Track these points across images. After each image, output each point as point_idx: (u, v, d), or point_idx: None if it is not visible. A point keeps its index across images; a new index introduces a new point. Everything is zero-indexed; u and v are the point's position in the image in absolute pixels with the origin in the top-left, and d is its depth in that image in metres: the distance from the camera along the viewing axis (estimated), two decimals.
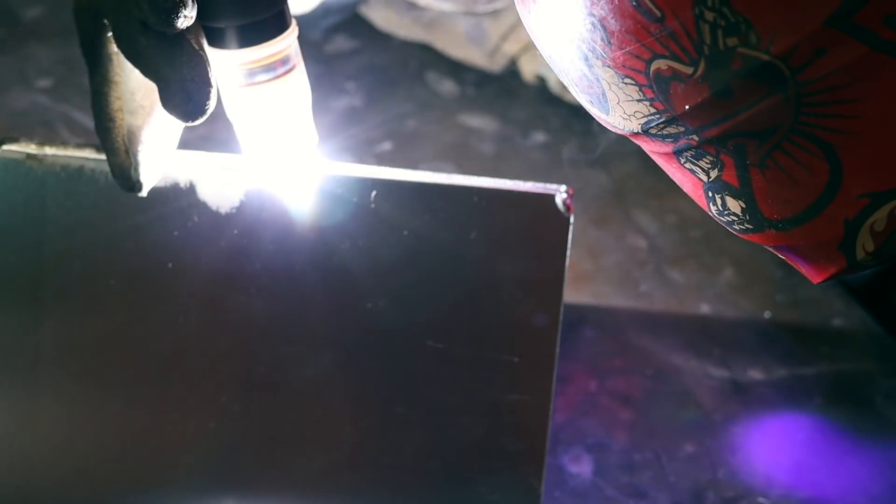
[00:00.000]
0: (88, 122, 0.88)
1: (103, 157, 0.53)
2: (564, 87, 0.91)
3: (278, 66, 0.47)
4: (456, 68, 0.97)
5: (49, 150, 0.53)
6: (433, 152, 0.88)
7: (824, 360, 0.73)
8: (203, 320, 0.54)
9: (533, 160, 0.89)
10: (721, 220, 0.43)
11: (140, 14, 0.44)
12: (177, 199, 0.53)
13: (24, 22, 0.99)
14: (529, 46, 0.94)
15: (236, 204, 0.53)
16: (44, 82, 0.92)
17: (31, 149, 0.53)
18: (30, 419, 0.55)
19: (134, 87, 0.48)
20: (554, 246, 0.54)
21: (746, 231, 0.42)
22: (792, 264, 0.43)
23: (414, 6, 0.95)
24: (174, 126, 0.51)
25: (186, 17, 0.43)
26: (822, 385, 0.71)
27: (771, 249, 0.43)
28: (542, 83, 0.95)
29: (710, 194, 0.42)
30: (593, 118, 0.44)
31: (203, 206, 0.53)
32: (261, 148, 0.50)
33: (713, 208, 0.42)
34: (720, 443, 0.67)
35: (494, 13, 0.93)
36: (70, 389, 0.55)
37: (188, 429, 0.56)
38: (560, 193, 0.54)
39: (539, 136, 0.91)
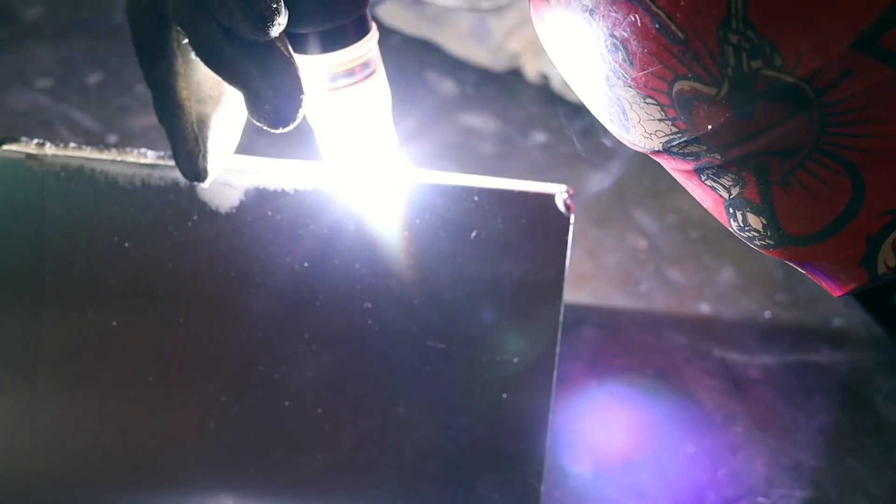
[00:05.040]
0: (88, 122, 0.88)
1: (103, 156, 0.53)
2: (567, 86, 0.91)
3: (359, 71, 0.47)
4: (456, 68, 0.97)
5: (49, 150, 0.53)
6: (433, 152, 0.88)
7: (824, 360, 0.73)
8: (203, 320, 0.54)
9: (533, 160, 0.89)
10: (742, 236, 0.43)
11: (228, 22, 0.42)
12: (177, 199, 0.53)
13: (24, 22, 0.99)
14: (533, 44, 0.94)
15: (236, 204, 0.53)
16: (44, 82, 0.92)
17: (31, 149, 0.53)
18: (30, 419, 0.55)
19: (200, 79, 0.48)
20: (554, 246, 0.54)
21: (767, 247, 0.42)
22: (812, 278, 0.43)
23: (419, 1, 0.95)
24: (240, 117, 0.50)
25: (280, 25, 0.42)
26: (822, 385, 0.71)
27: (792, 264, 0.43)
28: (545, 81, 0.95)
29: (732, 211, 0.42)
30: (594, 118, 0.44)
31: (203, 206, 0.53)
32: (342, 152, 0.50)
33: (734, 224, 0.42)
34: (720, 443, 0.67)
35: (498, 10, 0.93)
36: (70, 389, 0.55)
37: (188, 429, 0.56)
38: (560, 193, 0.54)
39: (539, 136, 0.91)
